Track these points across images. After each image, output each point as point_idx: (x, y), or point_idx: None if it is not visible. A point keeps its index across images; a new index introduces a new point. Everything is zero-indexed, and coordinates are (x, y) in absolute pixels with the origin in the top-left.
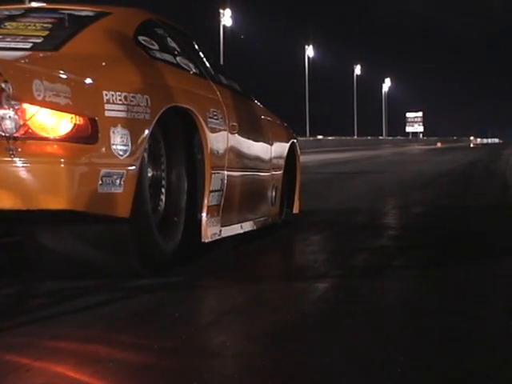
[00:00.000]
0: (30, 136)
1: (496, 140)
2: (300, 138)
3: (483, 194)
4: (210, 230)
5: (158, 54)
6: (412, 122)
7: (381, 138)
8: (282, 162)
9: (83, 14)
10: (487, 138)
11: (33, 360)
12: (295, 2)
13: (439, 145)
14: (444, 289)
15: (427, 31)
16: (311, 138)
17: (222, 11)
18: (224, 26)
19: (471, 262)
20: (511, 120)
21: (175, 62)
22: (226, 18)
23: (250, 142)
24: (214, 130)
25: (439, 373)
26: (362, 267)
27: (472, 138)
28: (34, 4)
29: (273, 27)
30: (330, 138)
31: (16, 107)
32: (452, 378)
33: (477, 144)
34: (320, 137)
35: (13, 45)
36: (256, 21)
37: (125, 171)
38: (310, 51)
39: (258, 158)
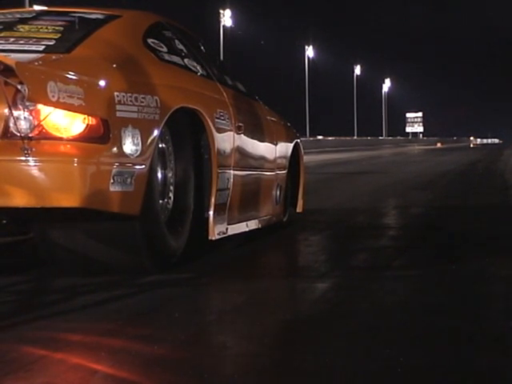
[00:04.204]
0: (44, 136)
1: (496, 140)
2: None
3: (483, 195)
4: (217, 227)
5: (167, 56)
6: (412, 122)
7: (381, 138)
8: (286, 161)
9: (93, 16)
10: (487, 138)
11: (51, 352)
12: (295, 2)
13: (439, 145)
14: (444, 289)
15: (427, 31)
16: (311, 139)
17: (221, 11)
18: (224, 26)
19: (471, 262)
20: (511, 120)
21: (183, 63)
22: (226, 18)
23: (256, 142)
24: (220, 131)
25: (439, 373)
26: (363, 267)
27: (472, 138)
28: (37, 7)
29: (273, 27)
30: (329, 138)
31: (31, 108)
32: (452, 378)
33: (476, 144)
34: (320, 137)
35: (26, 47)
36: (256, 21)
37: (135, 170)
38: (310, 51)
39: (263, 158)
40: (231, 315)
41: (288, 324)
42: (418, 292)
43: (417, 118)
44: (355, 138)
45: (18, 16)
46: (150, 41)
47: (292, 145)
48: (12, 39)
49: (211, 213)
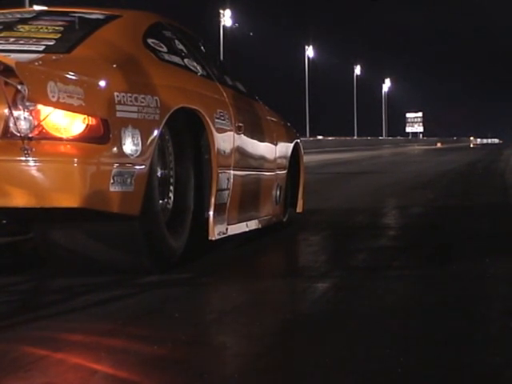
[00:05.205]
0: (44, 136)
1: (496, 140)
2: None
3: (483, 194)
4: (217, 228)
5: (167, 56)
6: (412, 122)
7: (381, 138)
8: (286, 161)
9: (93, 17)
10: (487, 138)
11: (51, 352)
12: (295, 2)
13: (439, 145)
14: (444, 289)
15: (427, 31)
16: (311, 139)
17: (221, 11)
18: (224, 26)
19: (471, 262)
20: (511, 120)
21: (183, 63)
22: (226, 18)
23: (256, 142)
24: (220, 131)
25: (439, 373)
26: (363, 267)
27: (472, 138)
28: (37, 7)
29: (273, 27)
30: (329, 138)
31: (31, 108)
32: (452, 378)
33: (476, 144)
34: (320, 137)
35: (26, 47)
36: (256, 21)
37: (135, 170)
38: (310, 51)
39: (263, 158)
40: (231, 315)
41: (288, 324)
42: (418, 292)
43: (417, 118)
44: (355, 138)
45: (18, 16)
46: (150, 41)
47: (292, 145)
48: (12, 39)
49: (211, 213)
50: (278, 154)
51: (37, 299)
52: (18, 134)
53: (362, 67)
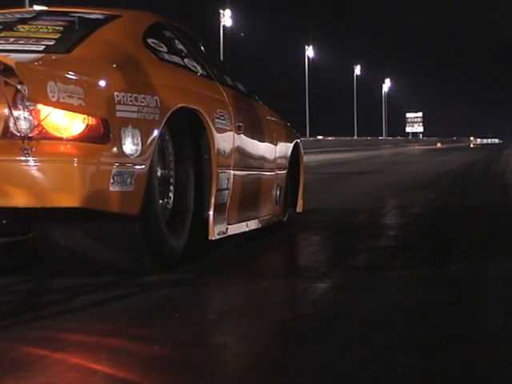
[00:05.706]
0: (44, 136)
1: (496, 140)
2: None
3: (483, 194)
4: (217, 227)
5: (167, 56)
6: (412, 122)
7: (381, 138)
8: (286, 161)
9: (93, 16)
10: (487, 138)
11: (51, 352)
12: (295, 2)
13: (439, 145)
14: (444, 289)
15: (427, 31)
16: (311, 139)
17: (221, 11)
18: (224, 26)
19: (471, 262)
20: (511, 120)
21: (183, 63)
22: (226, 18)
23: (256, 142)
24: (220, 131)
25: (439, 373)
26: (363, 267)
27: (472, 138)
28: (37, 7)
29: (273, 27)
30: (329, 138)
31: (31, 108)
32: (452, 378)
33: (476, 144)
34: (320, 137)
35: (26, 47)
36: (256, 21)
37: (135, 170)
38: (310, 51)
39: (263, 158)
40: (231, 315)
41: (288, 324)
42: (418, 292)
43: (417, 118)
44: (355, 138)
45: (18, 16)
46: (149, 41)
47: (292, 145)
48: (12, 39)
49: (211, 213)
50: (277, 154)
51: (37, 299)
52: (18, 134)
53: (361, 67)
